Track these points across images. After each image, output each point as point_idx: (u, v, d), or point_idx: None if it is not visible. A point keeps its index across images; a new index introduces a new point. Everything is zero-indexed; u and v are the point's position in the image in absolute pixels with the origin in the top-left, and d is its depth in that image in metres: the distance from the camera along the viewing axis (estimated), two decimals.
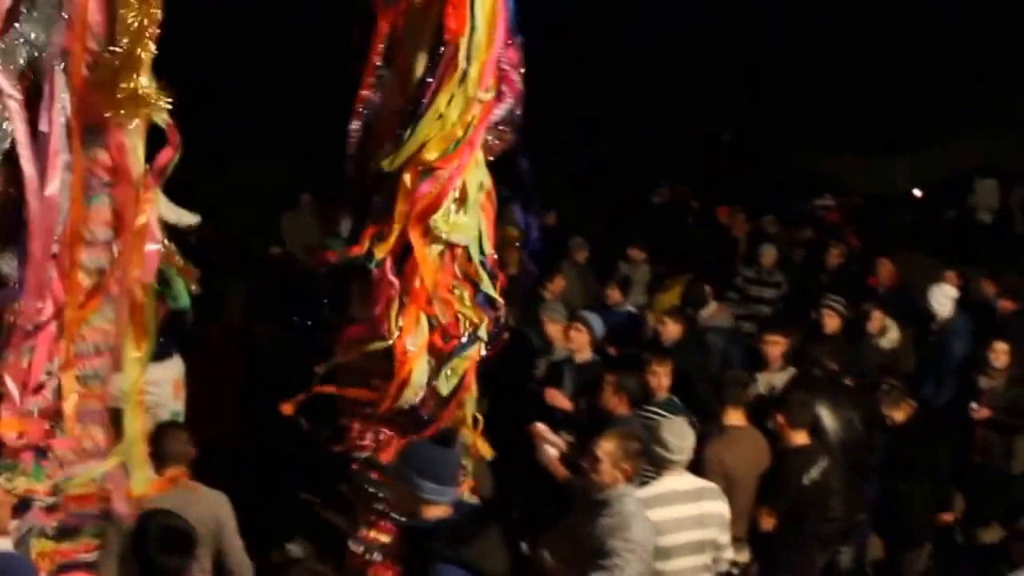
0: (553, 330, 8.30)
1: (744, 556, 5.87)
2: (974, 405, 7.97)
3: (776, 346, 7.64)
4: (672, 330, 8.40)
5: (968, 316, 9.28)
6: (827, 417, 6.48)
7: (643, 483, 5.22)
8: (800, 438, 6.05)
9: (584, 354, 7.70)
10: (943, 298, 9.01)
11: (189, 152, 4.84)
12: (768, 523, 5.98)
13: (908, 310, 9.62)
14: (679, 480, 5.34)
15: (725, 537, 5.41)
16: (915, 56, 18.06)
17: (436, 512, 3.99)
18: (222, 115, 13.61)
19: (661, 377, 6.75)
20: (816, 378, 7.11)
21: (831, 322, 8.59)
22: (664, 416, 6.26)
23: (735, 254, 12.38)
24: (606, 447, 4.86)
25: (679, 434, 5.35)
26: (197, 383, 6.66)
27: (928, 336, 8.95)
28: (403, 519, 4.45)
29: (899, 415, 6.90)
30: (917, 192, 17.42)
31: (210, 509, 4.99)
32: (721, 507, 5.41)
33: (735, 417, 6.28)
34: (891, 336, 9.21)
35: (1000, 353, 7.97)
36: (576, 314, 8.38)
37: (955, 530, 7.69)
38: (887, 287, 10.60)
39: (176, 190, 4.96)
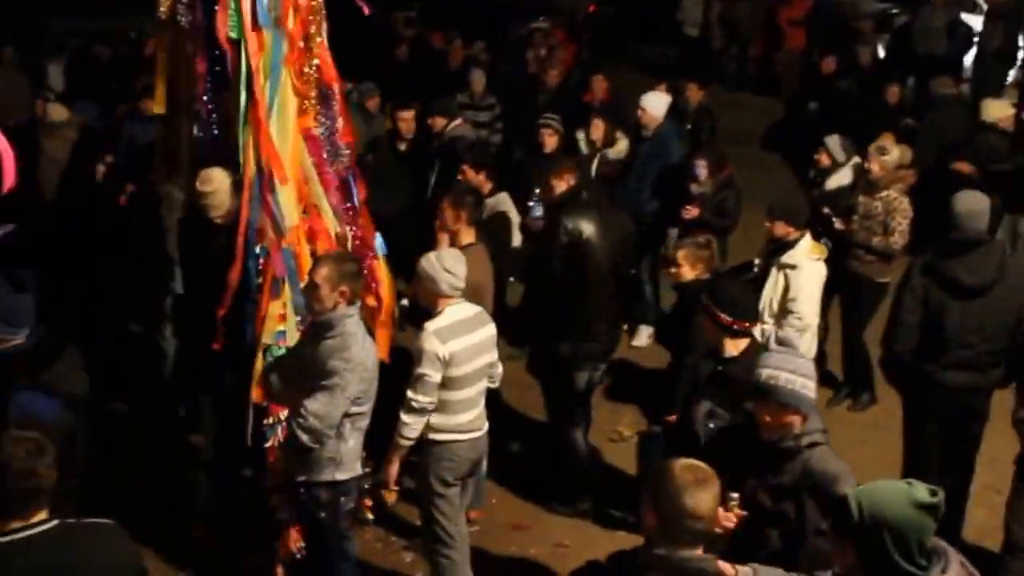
0: None
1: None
2: (687, 207, 8.31)
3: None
4: None
5: (678, 122, 9.52)
6: (592, 235, 6.41)
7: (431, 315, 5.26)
8: (469, 236, 6.27)
9: None
10: (658, 103, 9.13)
11: None
12: None
13: (622, 122, 9.72)
14: (461, 308, 5.35)
15: (496, 356, 5.56)
16: None
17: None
18: None
19: None
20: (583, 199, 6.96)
21: (550, 140, 8.56)
22: None
23: (453, 80, 12.14)
24: (322, 272, 4.83)
25: (461, 262, 5.35)
26: None
27: (642, 143, 9.07)
28: None
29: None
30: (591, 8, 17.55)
31: None
32: (492, 329, 5.51)
33: (470, 235, 6.30)
34: (620, 147, 9.24)
35: (702, 167, 8.37)
36: None
37: None
38: (602, 101, 10.73)
39: None
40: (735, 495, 3.77)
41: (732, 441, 4.01)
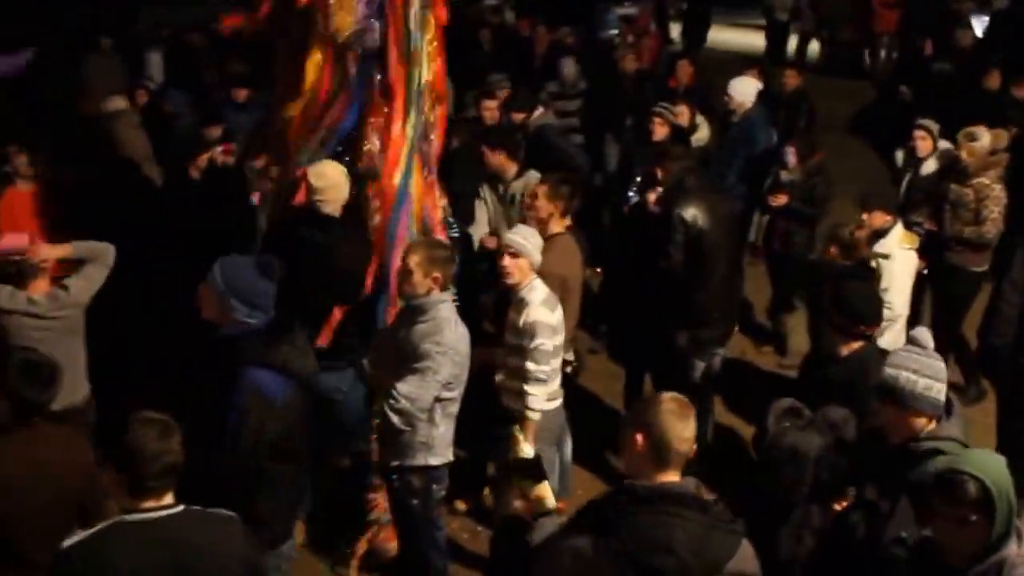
0: None
1: (571, 355, 5.96)
2: (775, 195, 8.21)
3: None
4: None
5: (767, 108, 9.41)
6: (706, 223, 6.37)
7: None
8: (558, 226, 6.13)
9: None
10: (747, 89, 9.04)
11: None
12: None
13: (707, 106, 9.64)
14: (543, 284, 5.48)
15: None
16: None
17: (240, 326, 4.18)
18: None
19: None
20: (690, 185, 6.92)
21: (660, 130, 8.48)
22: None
23: (537, 67, 12.14)
24: (415, 258, 4.90)
25: (537, 236, 5.50)
26: None
27: (729, 129, 8.99)
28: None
29: None
30: None
31: None
32: (560, 310, 5.59)
33: (559, 225, 6.22)
34: (701, 134, 9.15)
35: (791, 154, 8.23)
36: None
37: None
38: (686, 86, 10.64)
39: None
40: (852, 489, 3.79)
41: (863, 445, 3.94)
